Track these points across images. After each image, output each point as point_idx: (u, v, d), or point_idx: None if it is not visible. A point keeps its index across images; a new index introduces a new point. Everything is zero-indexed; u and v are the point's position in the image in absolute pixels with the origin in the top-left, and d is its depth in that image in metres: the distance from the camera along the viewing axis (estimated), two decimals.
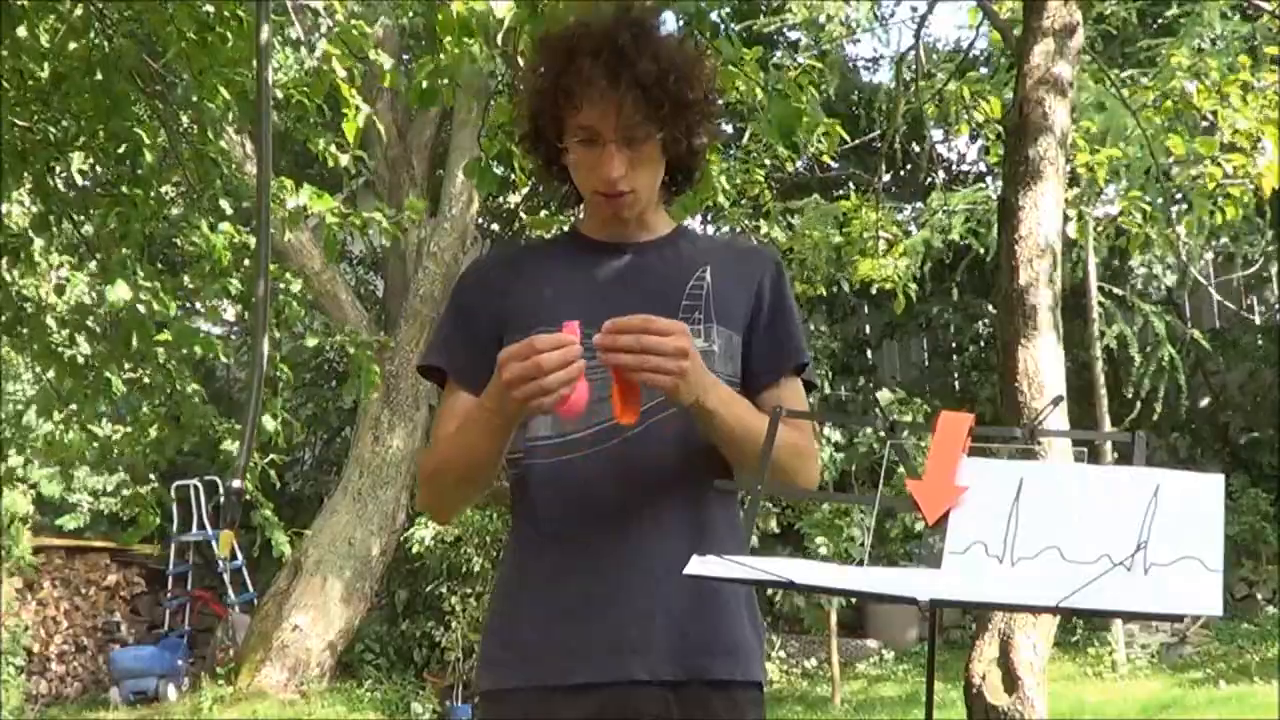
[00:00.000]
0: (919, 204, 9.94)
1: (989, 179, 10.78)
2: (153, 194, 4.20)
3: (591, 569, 1.63)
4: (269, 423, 4.47)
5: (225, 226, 4.27)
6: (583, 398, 1.50)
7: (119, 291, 3.94)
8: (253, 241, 4.34)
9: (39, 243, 4.45)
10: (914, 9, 13.99)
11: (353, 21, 3.89)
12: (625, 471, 1.63)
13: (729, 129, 8.61)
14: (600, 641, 1.61)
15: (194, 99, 4.07)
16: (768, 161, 6.88)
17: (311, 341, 4.98)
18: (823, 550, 7.86)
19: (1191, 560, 1.17)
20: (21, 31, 3.75)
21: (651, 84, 1.62)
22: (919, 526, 8.14)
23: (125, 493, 4.88)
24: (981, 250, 8.75)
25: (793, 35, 10.32)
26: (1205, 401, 10.62)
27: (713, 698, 1.63)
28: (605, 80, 1.60)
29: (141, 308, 4.08)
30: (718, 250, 1.80)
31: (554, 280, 1.73)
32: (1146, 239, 6.45)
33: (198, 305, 4.45)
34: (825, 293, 8.70)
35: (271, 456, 4.68)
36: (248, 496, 4.80)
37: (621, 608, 1.61)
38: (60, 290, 4.64)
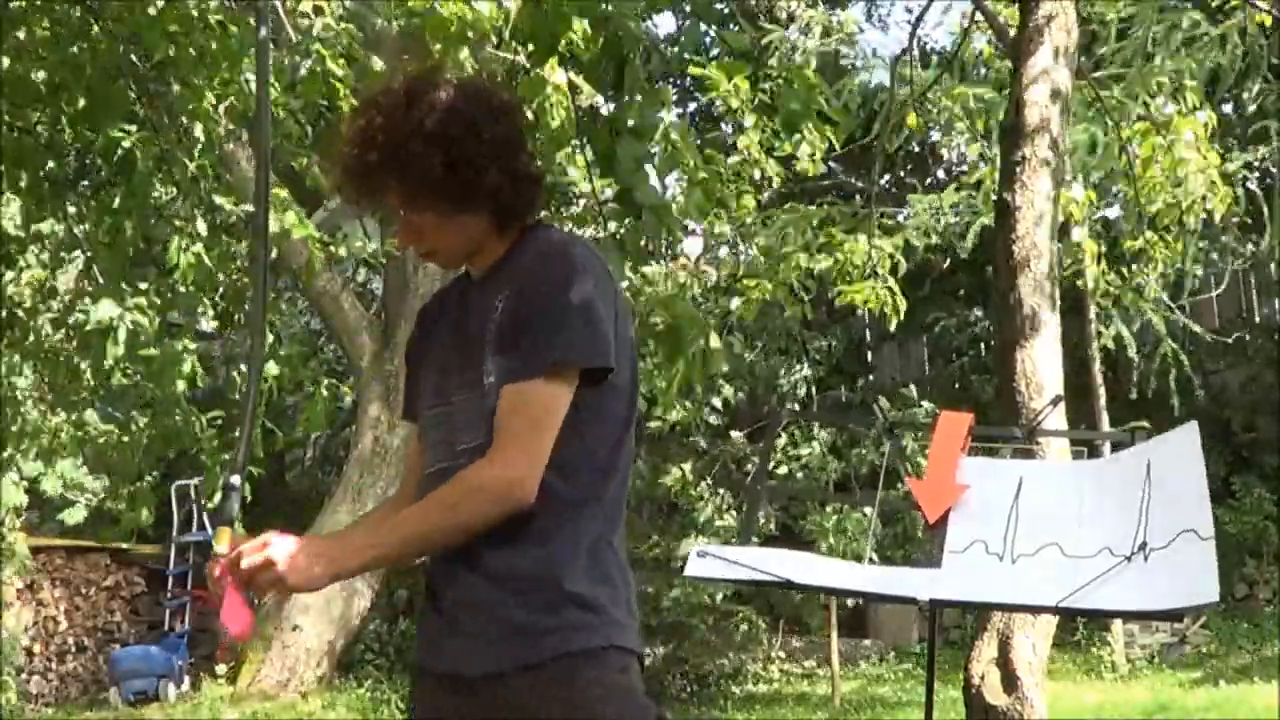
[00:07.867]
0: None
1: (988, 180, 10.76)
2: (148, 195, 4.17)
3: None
4: None
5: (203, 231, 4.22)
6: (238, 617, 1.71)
7: (104, 309, 3.89)
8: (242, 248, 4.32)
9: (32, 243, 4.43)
10: (909, 9, 13.99)
11: (343, 25, 3.88)
12: None
13: (727, 127, 8.55)
14: None
15: (189, 105, 4.04)
16: (769, 160, 6.76)
17: (274, 370, 4.80)
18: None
19: (1187, 534, 1.17)
20: (20, 34, 3.73)
21: None
22: (918, 530, 8.12)
23: (119, 490, 4.85)
24: (961, 254, 8.78)
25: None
26: (1205, 402, 10.60)
27: None
28: None
29: (128, 322, 4.00)
30: (527, 262, 1.78)
31: (424, 325, 1.94)
32: (1144, 246, 6.46)
33: (178, 316, 4.40)
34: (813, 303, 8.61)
35: (249, 470, 4.64)
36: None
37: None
38: (51, 293, 4.62)
